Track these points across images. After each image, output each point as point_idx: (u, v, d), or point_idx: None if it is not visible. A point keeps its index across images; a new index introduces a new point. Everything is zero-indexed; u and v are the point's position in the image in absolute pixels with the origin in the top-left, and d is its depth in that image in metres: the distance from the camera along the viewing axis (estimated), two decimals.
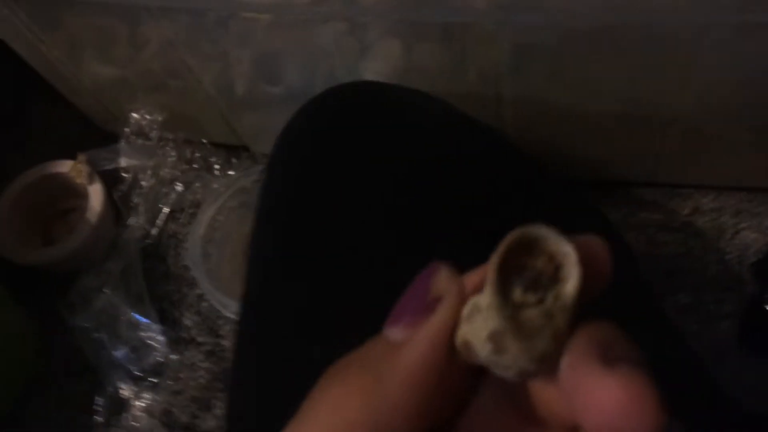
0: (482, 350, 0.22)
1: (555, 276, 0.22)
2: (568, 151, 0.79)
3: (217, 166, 0.98)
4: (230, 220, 0.95)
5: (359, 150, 0.54)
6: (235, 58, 0.81)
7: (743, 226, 0.83)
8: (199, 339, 0.93)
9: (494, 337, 0.21)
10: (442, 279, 0.23)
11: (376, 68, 0.77)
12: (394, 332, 0.23)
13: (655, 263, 0.82)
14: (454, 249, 0.36)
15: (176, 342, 0.93)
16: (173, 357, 0.90)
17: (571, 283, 0.22)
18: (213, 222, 0.93)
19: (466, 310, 0.23)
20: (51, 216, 1.02)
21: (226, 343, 0.92)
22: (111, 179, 0.98)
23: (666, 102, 0.71)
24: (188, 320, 0.94)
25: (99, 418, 0.88)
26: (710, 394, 0.51)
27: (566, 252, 0.22)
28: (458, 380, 0.24)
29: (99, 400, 0.89)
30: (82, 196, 0.98)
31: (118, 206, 0.98)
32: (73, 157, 0.97)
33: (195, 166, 0.98)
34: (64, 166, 0.98)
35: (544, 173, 0.61)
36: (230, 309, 0.86)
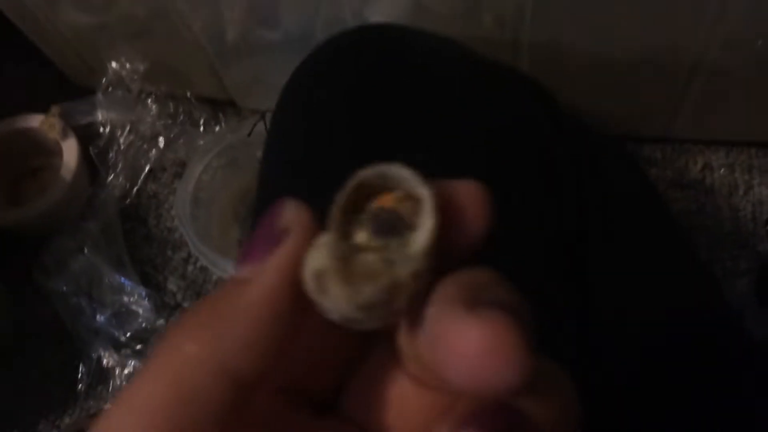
0: (309, 289, 0.20)
1: (412, 222, 0.20)
2: (582, 103, 0.76)
3: (201, 122, 0.93)
4: (217, 179, 0.90)
5: (379, 94, 0.52)
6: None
7: (756, 182, 0.81)
8: (186, 304, 0.88)
9: (318, 276, 0.20)
10: (290, 212, 0.22)
11: (383, 11, 0.73)
12: (241, 269, 0.21)
13: None
14: None
15: (161, 308, 0.87)
16: (159, 323, 0.85)
17: (421, 231, 0.20)
18: (198, 182, 0.88)
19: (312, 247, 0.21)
20: (20, 174, 0.95)
21: None
22: (86, 134, 0.91)
23: (692, 48, 0.68)
24: (173, 285, 0.89)
25: (80, 387, 0.83)
26: (740, 333, 0.52)
27: (423, 196, 0.20)
28: (321, 327, 0.22)
29: (80, 369, 0.83)
30: (54, 152, 0.91)
31: (94, 164, 0.91)
32: (45, 111, 0.91)
33: (179, 121, 0.92)
34: (35, 121, 0.91)
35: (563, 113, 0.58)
36: (222, 268, 0.81)
